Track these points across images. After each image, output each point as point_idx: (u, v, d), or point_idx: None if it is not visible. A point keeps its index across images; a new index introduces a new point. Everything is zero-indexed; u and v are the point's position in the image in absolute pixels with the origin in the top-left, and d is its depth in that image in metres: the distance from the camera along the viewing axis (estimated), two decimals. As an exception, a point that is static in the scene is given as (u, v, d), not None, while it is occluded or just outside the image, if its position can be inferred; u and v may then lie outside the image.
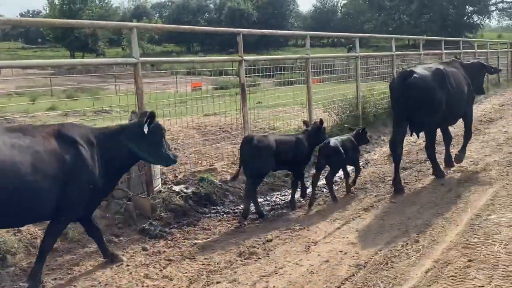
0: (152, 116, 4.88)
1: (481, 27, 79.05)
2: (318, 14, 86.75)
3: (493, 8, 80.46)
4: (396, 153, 7.26)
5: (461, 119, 8.34)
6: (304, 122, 7.63)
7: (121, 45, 65.76)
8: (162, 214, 6.25)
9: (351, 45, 56.29)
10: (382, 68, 14.57)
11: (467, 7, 75.83)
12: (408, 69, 7.45)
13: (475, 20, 77.65)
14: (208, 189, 7.06)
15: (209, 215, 6.62)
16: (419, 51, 16.76)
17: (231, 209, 6.89)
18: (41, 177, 4.08)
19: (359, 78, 12.01)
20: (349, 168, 7.54)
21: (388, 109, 13.13)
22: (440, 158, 8.24)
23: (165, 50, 77.66)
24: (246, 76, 8.42)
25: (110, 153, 4.69)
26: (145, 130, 4.79)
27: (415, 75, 7.11)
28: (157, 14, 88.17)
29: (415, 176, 8.01)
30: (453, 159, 8.28)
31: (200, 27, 9.59)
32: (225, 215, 6.65)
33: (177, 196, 6.60)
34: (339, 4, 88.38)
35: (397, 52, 15.06)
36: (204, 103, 9.06)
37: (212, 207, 6.87)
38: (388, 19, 75.01)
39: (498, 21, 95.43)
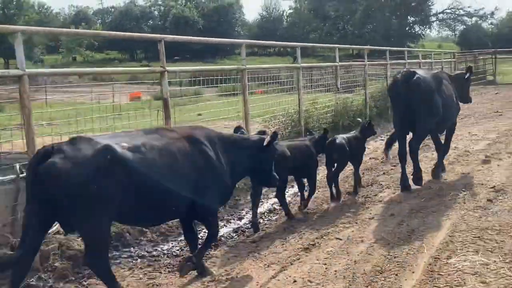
0: (276, 135, 5.31)
1: (422, 37, 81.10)
2: (264, 23, 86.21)
3: (433, 18, 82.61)
4: (405, 161, 7.50)
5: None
6: (307, 130, 8.24)
7: (59, 52, 62.63)
8: (57, 264, 5.03)
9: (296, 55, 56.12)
10: (327, 80, 13.83)
11: (409, 17, 77.67)
12: (411, 70, 7.58)
13: (416, 30, 79.66)
14: (121, 227, 5.87)
15: (119, 260, 5.44)
16: (363, 61, 16.12)
17: (147, 251, 5.75)
18: (175, 174, 4.40)
19: (301, 90, 11.13)
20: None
21: (332, 123, 12.36)
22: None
23: (107, 58, 74.82)
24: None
25: (229, 158, 4.92)
26: (265, 142, 5.14)
27: (417, 75, 7.25)
28: (99, 21, 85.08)
29: (362, 203, 7.10)
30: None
31: (110, 32, 8.42)
32: (139, 259, 5.51)
33: (79, 239, 5.34)
34: (284, 14, 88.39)
35: (341, 63, 14.39)
36: (127, 121, 7.93)
37: (124, 250, 5.73)
38: (333, 29, 75.79)
39: (438, 31, 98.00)
